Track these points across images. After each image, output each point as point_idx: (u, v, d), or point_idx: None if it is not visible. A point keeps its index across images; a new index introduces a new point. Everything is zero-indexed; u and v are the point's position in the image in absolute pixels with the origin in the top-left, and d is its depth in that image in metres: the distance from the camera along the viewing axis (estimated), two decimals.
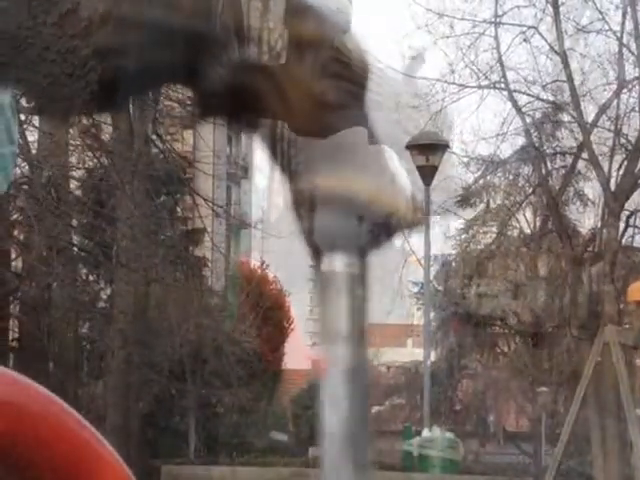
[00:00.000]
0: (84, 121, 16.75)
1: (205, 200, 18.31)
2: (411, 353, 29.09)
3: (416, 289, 25.75)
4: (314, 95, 0.94)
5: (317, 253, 0.92)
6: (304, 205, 0.93)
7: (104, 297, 19.33)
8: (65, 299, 16.20)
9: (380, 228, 0.93)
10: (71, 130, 16.54)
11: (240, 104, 0.96)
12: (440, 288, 25.39)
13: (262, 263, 28.11)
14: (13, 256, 17.01)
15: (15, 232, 16.85)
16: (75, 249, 17.15)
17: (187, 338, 20.23)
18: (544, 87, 20.11)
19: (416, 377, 26.24)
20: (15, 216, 16.39)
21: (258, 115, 0.95)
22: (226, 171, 34.86)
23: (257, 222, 29.09)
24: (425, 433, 14.31)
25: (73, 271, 16.89)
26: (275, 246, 32.68)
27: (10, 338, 17.83)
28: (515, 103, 20.19)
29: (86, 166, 17.66)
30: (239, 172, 38.98)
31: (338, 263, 0.91)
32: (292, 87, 0.94)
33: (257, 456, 24.34)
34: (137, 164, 15.66)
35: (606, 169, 19.76)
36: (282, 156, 0.95)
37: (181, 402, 22.75)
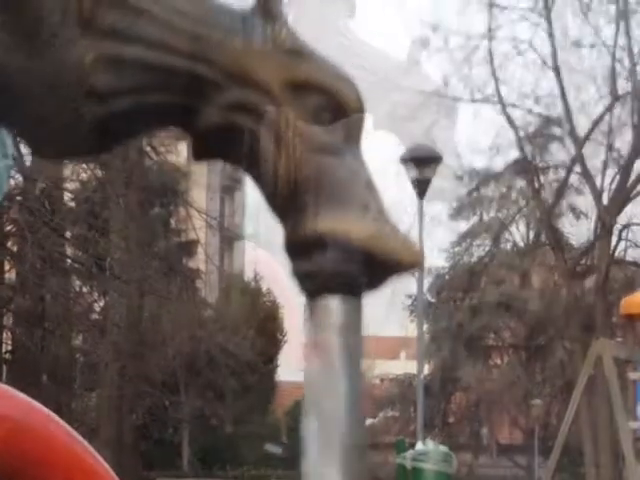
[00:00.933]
0: None
1: (199, 212, 18.29)
2: (404, 365, 29.03)
3: (409, 301, 25.71)
4: (310, 138, 0.94)
5: (313, 294, 0.92)
6: (300, 247, 0.93)
7: (97, 309, 19.28)
8: (58, 311, 16.14)
9: (378, 270, 0.92)
10: None
11: (235, 146, 0.97)
12: (433, 300, 25.37)
13: (255, 275, 28.06)
14: (6, 268, 16.97)
15: (8, 244, 16.80)
16: (69, 261, 17.10)
17: (181, 350, 20.16)
18: (537, 101, 20.14)
19: (409, 389, 26.20)
20: (8, 228, 16.35)
21: (253, 157, 0.96)
22: (220, 183, 34.86)
23: (251, 234, 29.08)
24: (419, 446, 14.23)
25: (66, 283, 16.84)
26: (269, 258, 32.63)
27: (3, 350, 17.77)
28: (508, 117, 20.23)
29: (80, 178, 17.62)
30: (233, 184, 38.96)
31: (334, 304, 0.91)
32: (288, 130, 0.95)
33: (251, 469, 24.31)
34: (131, 176, 15.63)
35: (599, 183, 19.80)
36: (277, 198, 0.96)
37: (175, 414, 22.67)
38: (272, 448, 26.32)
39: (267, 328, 25.70)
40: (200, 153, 1.00)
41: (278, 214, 0.97)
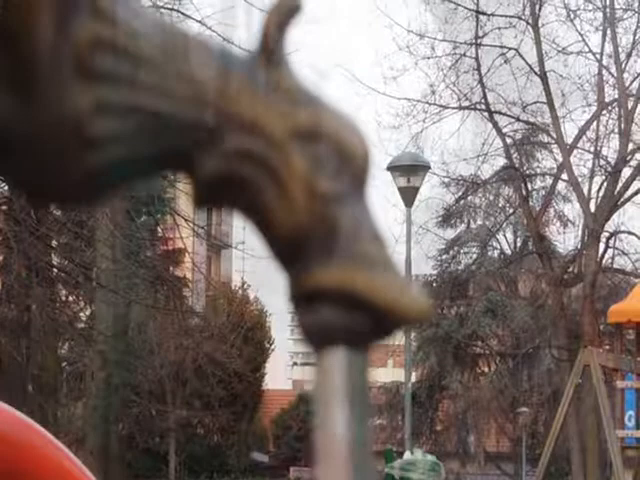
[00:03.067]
0: None
1: (186, 220, 18.27)
2: (392, 373, 29.08)
3: None
4: (314, 187, 0.92)
5: (318, 347, 0.91)
6: (304, 299, 0.91)
7: (84, 318, 19.25)
8: (44, 320, 16.12)
9: (385, 322, 0.91)
10: None
11: (237, 194, 0.95)
12: None
13: (243, 284, 28.09)
14: None
15: None
16: (55, 270, 17.08)
17: (167, 359, 20.18)
18: (524, 108, 20.21)
19: (397, 397, 26.24)
20: None
21: (255, 206, 0.94)
22: None
23: (238, 243, 29.07)
24: (407, 456, 14.24)
25: (53, 292, 16.82)
26: (256, 267, 32.70)
27: None
28: (496, 124, 20.28)
29: None
30: None
31: (338, 356, 0.90)
32: (290, 179, 0.93)
33: (237, 477, 24.31)
34: None
35: (586, 191, 19.87)
36: (280, 248, 0.95)
37: (161, 423, 22.67)
38: (259, 457, 26.34)
39: (254, 336, 25.73)
40: (201, 200, 0.98)
41: (281, 264, 0.95)
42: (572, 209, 22.47)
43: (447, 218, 23.63)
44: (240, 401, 24.74)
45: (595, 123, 19.92)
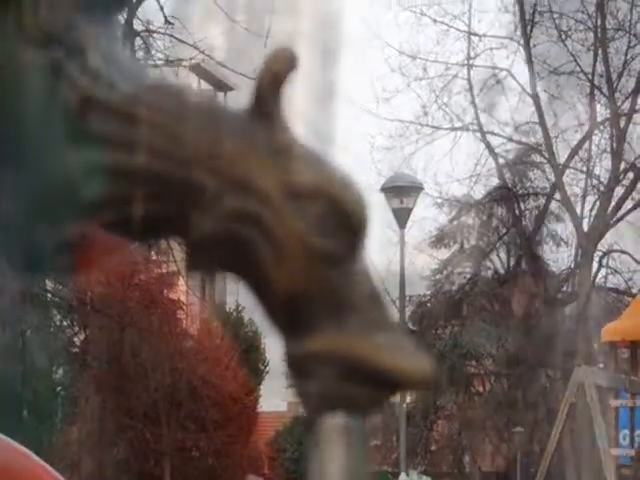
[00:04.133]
0: None
1: (179, 244, 18.32)
2: None
3: None
4: (310, 248, 0.90)
5: (316, 412, 0.89)
6: (301, 365, 0.90)
7: (78, 343, 19.26)
8: (39, 345, 16.17)
9: (384, 387, 0.89)
10: None
11: (231, 256, 0.93)
12: (415, 329, 25.44)
13: (237, 306, 28.11)
14: None
15: None
16: (49, 295, 17.12)
17: (162, 382, 20.17)
18: (517, 129, 20.33)
19: (391, 418, 26.22)
20: None
21: (250, 267, 0.92)
22: None
23: None
24: (402, 478, 14.27)
25: (47, 317, 16.86)
26: None
27: None
28: (488, 144, 20.40)
29: None
30: None
31: (337, 422, 0.89)
32: (286, 239, 0.90)
33: None
34: None
35: (579, 210, 19.97)
36: (276, 310, 0.92)
37: (156, 446, 22.63)
38: (254, 479, 26.31)
39: (249, 358, 25.72)
40: (195, 263, 0.96)
41: (277, 328, 0.92)
42: (565, 228, 22.57)
43: (440, 238, 23.71)
44: (235, 423, 24.71)
45: (587, 143, 20.05)
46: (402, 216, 17.53)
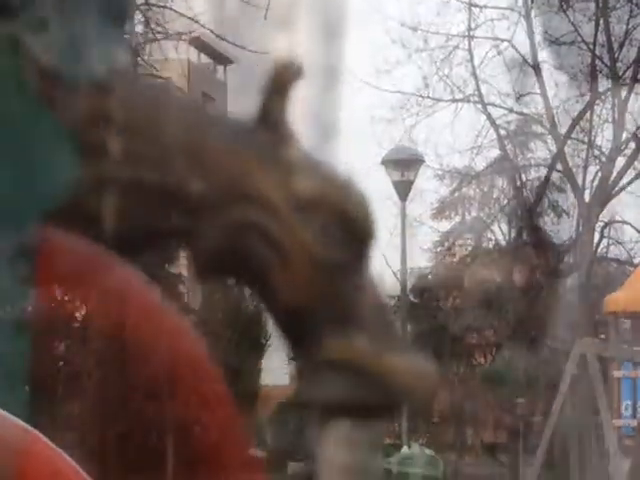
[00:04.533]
0: None
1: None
2: None
3: (392, 302, 25.82)
4: (316, 258, 0.90)
5: (323, 420, 0.89)
6: (308, 373, 0.90)
7: (79, 317, 19.33)
8: (41, 319, 16.22)
9: (389, 396, 0.90)
10: None
11: (238, 267, 0.93)
12: (416, 301, 25.50)
13: None
14: None
15: None
16: None
17: (163, 357, 20.23)
18: (518, 99, 20.30)
19: None
20: None
21: (257, 278, 0.92)
22: None
23: None
24: (404, 450, 14.34)
25: (49, 291, 16.91)
26: None
27: None
28: (489, 116, 20.37)
29: None
30: None
31: (344, 430, 0.89)
32: (293, 250, 0.90)
33: (234, 472, 24.36)
34: None
35: (580, 181, 19.97)
36: (283, 319, 0.93)
37: (158, 421, 22.75)
38: (257, 453, 26.38)
39: (251, 333, 25.76)
40: (202, 274, 0.96)
41: (285, 336, 0.93)
42: (566, 199, 22.57)
43: (441, 210, 23.73)
44: (237, 398, 24.81)
45: (589, 113, 20.02)
46: (403, 189, 17.54)
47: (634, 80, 19.67)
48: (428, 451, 14.21)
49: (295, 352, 0.93)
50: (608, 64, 19.99)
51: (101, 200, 0.92)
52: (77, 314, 2.01)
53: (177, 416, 2.15)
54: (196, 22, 16.13)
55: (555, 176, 21.91)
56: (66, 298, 2.19)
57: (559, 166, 20.42)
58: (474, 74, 19.97)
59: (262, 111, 0.95)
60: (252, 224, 0.92)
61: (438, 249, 24.75)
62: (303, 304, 0.91)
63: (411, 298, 24.48)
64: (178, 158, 0.92)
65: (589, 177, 19.89)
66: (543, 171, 21.94)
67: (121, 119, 0.92)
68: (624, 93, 19.77)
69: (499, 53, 20.09)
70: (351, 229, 0.92)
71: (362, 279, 0.92)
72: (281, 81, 0.94)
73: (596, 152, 20.12)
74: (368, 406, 0.90)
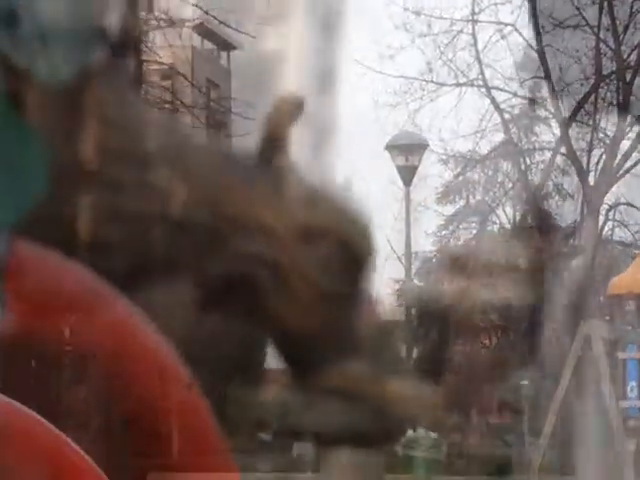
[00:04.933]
0: None
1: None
2: None
3: (397, 286, 25.96)
4: (320, 287, 0.91)
5: (326, 447, 0.91)
6: (312, 400, 0.93)
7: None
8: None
9: (392, 423, 0.92)
10: None
11: (242, 296, 0.96)
12: (421, 284, 25.62)
13: None
14: None
15: None
16: None
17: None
18: (522, 84, 20.39)
19: None
20: None
21: (262, 307, 0.94)
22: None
23: None
24: (408, 433, 14.45)
25: None
26: None
27: None
28: (493, 100, 20.47)
29: None
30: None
31: (346, 457, 0.91)
32: (296, 279, 0.92)
33: (239, 456, 24.52)
34: None
35: (585, 164, 20.06)
36: (287, 348, 0.96)
37: (164, 402, 22.86)
38: (262, 436, 26.53)
39: None
40: (207, 303, 0.99)
41: (288, 364, 0.97)
42: (571, 182, 22.69)
43: (446, 195, 23.81)
44: (242, 377, 24.96)
45: (593, 96, 20.09)
46: (407, 174, 17.65)
47: (638, 63, 19.73)
48: (432, 434, 14.27)
49: (296, 380, 0.97)
50: (612, 47, 20.05)
51: (107, 231, 0.95)
52: (50, 332, 1.94)
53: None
54: (199, 8, 16.20)
55: (559, 159, 22.01)
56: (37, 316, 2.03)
57: (563, 149, 20.51)
58: (478, 58, 20.06)
59: (264, 147, 0.98)
60: (256, 254, 0.95)
61: (442, 233, 24.86)
62: (305, 332, 0.94)
63: (416, 282, 24.59)
64: (184, 190, 0.94)
65: (594, 160, 19.99)
66: (547, 154, 22.04)
67: (131, 151, 0.93)
68: (628, 76, 19.84)
69: (503, 37, 20.18)
70: (352, 259, 0.95)
71: (362, 306, 0.96)
72: (282, 118, 0.97)
73: (601, 135, 20.21)
74: (368, 434, 0.92)
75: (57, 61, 0.85)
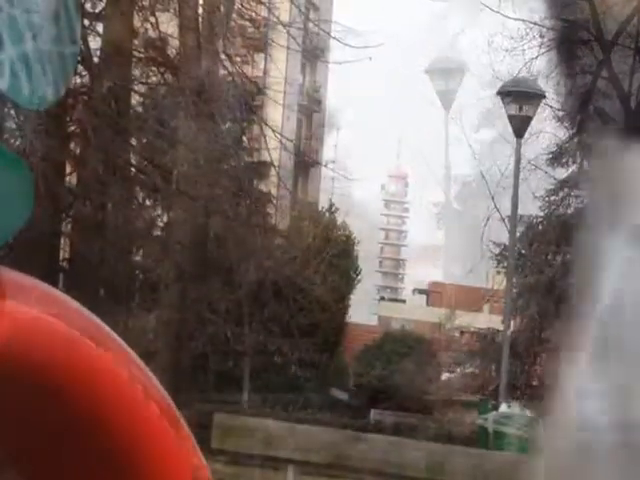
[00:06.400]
0: (150, 33, 16.41)
1: (274, 131, 17.86)
2: (488, 319, 28.47)
3: (497, 250, 25.07)
4: None
5: None
6: None
7: (161, 224, 19.01)
8: (119, 222, 15.88)
9: None
10: (136, 41, 16.16)
11: None
12: (524, 252, 24.71)
13: (331, 206, 27.33)
14: (67, 170, 16.73)
15: (71, 145, 16.54)
16: (133, 170, 16.82)
17: (246, 279, 19.87)
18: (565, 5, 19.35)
19: (491, 346, 25.65)
20: (72, 128, 16.08)
21: None
22: (298, 102, 33.89)
23: (328, 161, 28.38)
24: (503, 408, 13.70)
25: (129, 193, 16.55)
26: (346, 189, 31.79)
27: (60, 258, 17.55)
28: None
29: (149, 81, 17.27)
30: (312, 105, 38.03)
31: None
32: None
33: (315, 412, 24.02)
34: (204, 84, 15.24)
35: (626, 87, 18.94)
36: None
37: (236, 346, 22.45)
38: (338, 393, 26.01)
39: (340, 264, 25.26)
40: None
41: None
42: (613, 106, 21.53)
43: (559, 156, 22.85)
44: (321, 332, 24.40)
45: (635, 18, 19.02)
46: (520, 124, 16.80)
47: None
48: (528, 412, 13.51)
49: None
50: None
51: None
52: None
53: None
54: None
55: (601, 83, 20.93)
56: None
57: (604, 73, 19.49)
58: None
59: None
60: None
61: (551, 198, 23.89)
62: None
63: (519, 248, 23.73)
64: None
65: (635, 84, 18.90)
66: (589, 78, 21.00)
67: None
68: None
69: None
70: None
71: None
72: None
73: None
74: None
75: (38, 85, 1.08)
